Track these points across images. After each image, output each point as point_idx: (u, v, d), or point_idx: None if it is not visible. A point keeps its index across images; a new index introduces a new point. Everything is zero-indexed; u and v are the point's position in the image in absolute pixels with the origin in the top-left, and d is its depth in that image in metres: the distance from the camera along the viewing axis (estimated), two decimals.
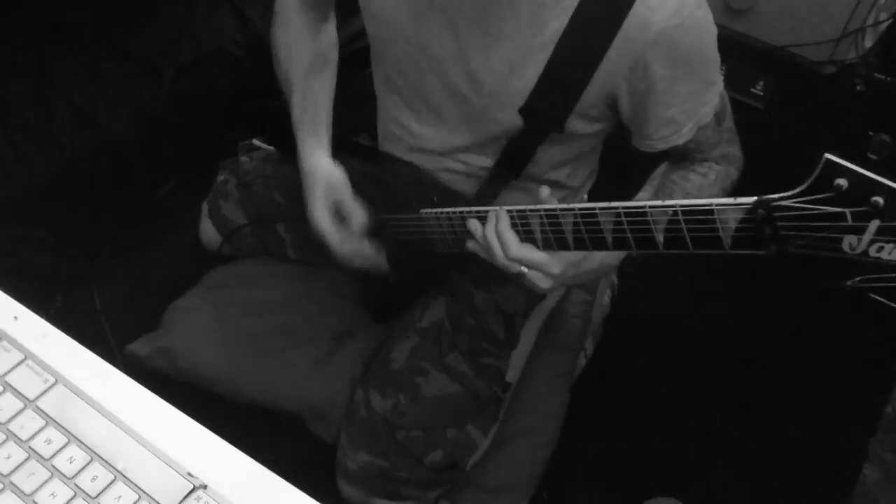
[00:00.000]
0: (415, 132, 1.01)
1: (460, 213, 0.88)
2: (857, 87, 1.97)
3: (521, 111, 0.87)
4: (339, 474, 1.07)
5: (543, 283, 0.83)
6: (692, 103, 0.86)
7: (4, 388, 0.63)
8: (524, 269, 0.82)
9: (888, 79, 1.97)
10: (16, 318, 0.68)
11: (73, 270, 1.42)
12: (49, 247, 1.41)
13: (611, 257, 0.91)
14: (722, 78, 0.88)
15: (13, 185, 1.37)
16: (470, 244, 0.86)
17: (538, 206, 0.77)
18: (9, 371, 0.64)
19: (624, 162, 1.07)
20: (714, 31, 0.83)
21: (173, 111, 1.53)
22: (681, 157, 0.94)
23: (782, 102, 1.96)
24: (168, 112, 1.52)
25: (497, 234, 0.81)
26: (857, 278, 1.61)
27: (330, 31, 1.07)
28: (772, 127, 1.90)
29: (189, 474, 0.59)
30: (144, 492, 0.58)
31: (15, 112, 1.41)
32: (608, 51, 0.80)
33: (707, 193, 0.91)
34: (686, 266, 1.65)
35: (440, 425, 1.05)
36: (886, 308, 1.58)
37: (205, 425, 0.63)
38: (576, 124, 0.90)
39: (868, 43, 1.96)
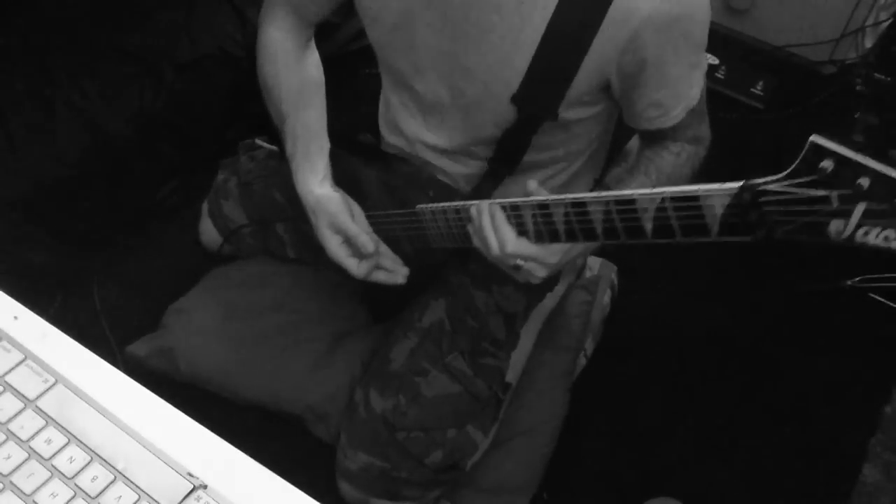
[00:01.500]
0: (417, 132, 1.02)
1: (454, 208, 0.88)
2: (857, 87, 1.97)
3: (514, 100, 0.88)
4: (338, 475, 1.07)
5: (540, 272, 0.84)
6: (680, 87, 0.88)
7: (4, 388, 0.63)
8: (520, 261, 0.82)
9: (888, 79, 1.97)
10: (16, 318, 0.68)
11: (73, 270, 1.42)
12: (49, 247, 1.41)
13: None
14: (706, 61, 0.90)
15: (13, 185, 1.37)
16: (469, 228, 0.86)
17: (530, 199, 0.77)
18: (9, 371, 0.64)
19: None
20: (706, 16, 0.84)
21: (173, 111, 1.53)
22: (655, 136, 0.96)
23: (782, 102, 1.96)
24: (168, 112, 1.52)
25: (494, 230, 0.81)
26: (857, 278, 1.61)
27: (314, 55, 1.06)
28: (772, 127, 1.90)
29: (189, 474, 0.59)
30: (144, 492, 0.58)
31: (15, 112, 1.41)
32: (595, 37, 0.81)
33: (679, 172, 0.93)
34: (686, 266, 1.65)
35: (440, 426, 1.05)
36: (886, 308, 1.58)
37: (205, 425, 0.63)
38: (572, 112, 0.90)
39: (868, 43, 1.97)
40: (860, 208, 0.51)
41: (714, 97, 1.00)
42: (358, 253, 0.98)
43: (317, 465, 1.12)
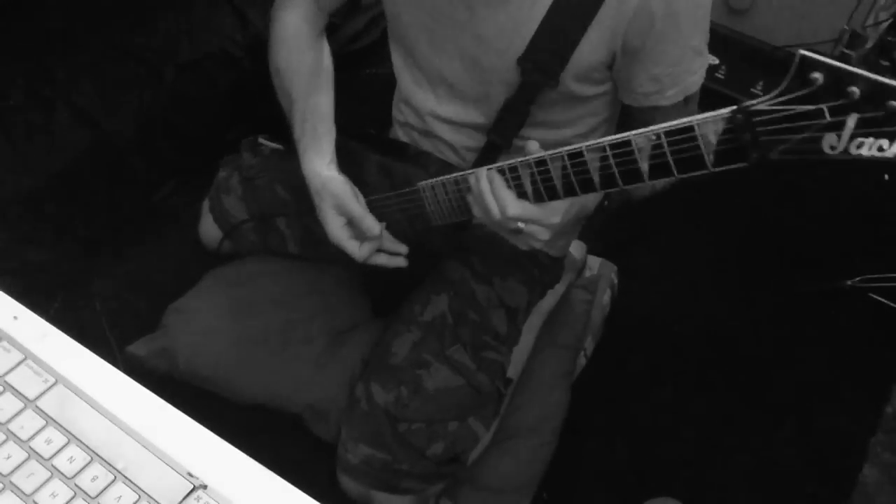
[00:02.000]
0: (430, 106, 1.03)
1: (454, 179, 0.89)
2: None
3: (519, 62, 0.89)
4: (339, 469, 1.07)
5: (543, 235, 0.85)
6: (678, 67, 0.89)
7: (4, 388, 0.63)
8: (521, 224, 0.83)
9: None
10: (16, 318, 0.68)
11: (73, 270, 1.42)
12: (49, 247, 1.41)
13: (591, 197, 0.94)
14: (708, 58, 0.91)
15: (13, 185, 1.37)
16: (469, 198, 0.87)
17: (527, 157, 0.78)
18: (9, 371, 0.64)
19: None
20: (707, 1, 0.86)
21: (173, 111, 1.53)
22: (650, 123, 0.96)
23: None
24: (168, 112, 1.52)
25: (493, 194, 0.82)
26: (857, 278, 1.61)
27: (326, 46, 1.08)
28: None
29: (189, 474, 0.59)
30: (144, 492, 0.58)
31: (15, 112, 1.41)
32: (604, 5, 0.83)
33: None
34: (686, 266, 1.65)
35: (442, 418, 1.05)
36: (886, 308, 1.58)
37: (205, 425, 0.63)
38: (575, 85, 0.92)
39: (868, 43, 1.96)
40: (852, 119, 0.51)
41: (714, 97, 1.00)
42: (360, 235, 0.99)
43: (317, 464, 1.12)
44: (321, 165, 0.99)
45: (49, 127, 1.42)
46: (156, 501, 0.58)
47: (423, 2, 0.93)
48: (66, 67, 1.46)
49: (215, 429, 0.63)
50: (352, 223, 0.99)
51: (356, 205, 0.97)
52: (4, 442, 0.60)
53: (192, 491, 0.58)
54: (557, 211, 0.83)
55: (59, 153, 1.42)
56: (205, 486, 0.59)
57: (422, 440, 1.04)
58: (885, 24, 1.98)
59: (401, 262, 1.02)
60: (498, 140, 0.99)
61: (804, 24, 1.92)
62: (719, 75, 1.99)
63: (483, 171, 0.83)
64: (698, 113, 0.96)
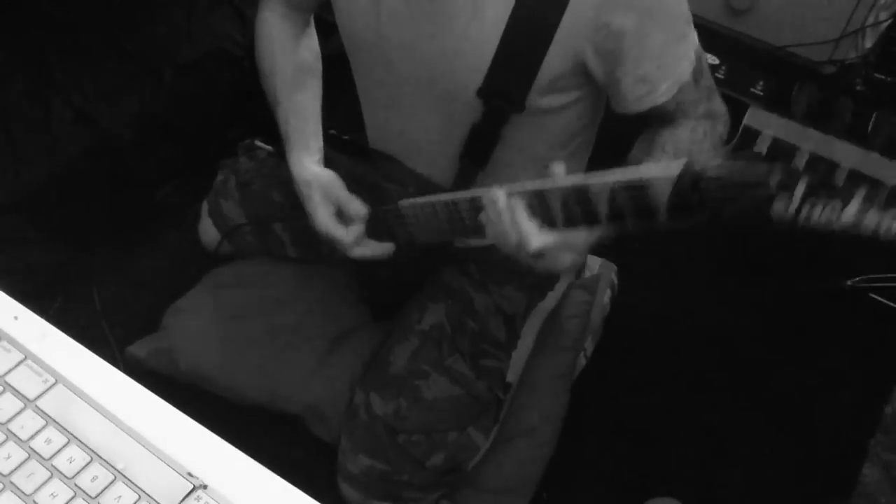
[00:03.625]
0: (392, 130, 1.01)
1: (445, 202, 0.85)
2: (857, 87, 1.97)
3: (480, 93, 0.86)
4: (340, 477, 1.07)
5: (567, 259, 0.76)
6: (665, 59, 0.84)
7: (4, 388, 0.63)
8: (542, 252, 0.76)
9: (888, 79, 1.96)
10: (16, 318, 0.68)
11: (73, 270, 1.42)
12: (49, 247, 1.41)
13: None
14: (695, 34, 0.85)
15: (13, 184, 1.37)
16: (482, 217, 0.78)
17: (555, 184, 0.69)
18: (9, 371, 0.64)
19: (615, 134, 1.05)
20: None
21: (173, 111, 1.53)
22: (665, 120, 0.91)
23: (782, 102, 1.96)
24: (168, 112, 1.52)
25: (514, 222, 0.72)
26: (857, 278, 1.61)
27: (311, 41, 1.07)
28: None
29: (189, 474, 0.59)
30: (144, 492, 0.58)
31: (15, 112, 1.41)
32: (563, 18, 0.79)
33: (698, 149, 0.88)
34: (686, 266, 1.65)
35: (441, 428, 1.05)
36: (886, 308, 1.58)
37: (205, 425, 0.63)
38: (543, 101, 0.88)
39: (868, 43, 1.96)
40: (802, 184, 0.50)
41: None
42: (348, 223, 0.98)
43: (317, 465, 1.12)
44: (309, 161, 0.99)
45: (48, 127, 1.42)
46: (156, 501, 0.58)
47: (367, 26, 0.90)
48: (66, 67, 1.47)
49: (215, 429, 0.63)
50: (339, 213, 0.98)
51: (344, 191, 0.97)
52: (4, 442, 0.60)
53: (192, 491, 0.58)
54: (580, 237, 0.73)
55: (59, 153, 1.42)
56: (205, 486, 0.59)
57: (421, 451, 1.04)
58: (885, 24, 1.98)
59: (389, 247, 1.00)
60: (473, 167, 0.96)
61: (804, 24, 1.92)
62: (719, 75, 1.99)
63: (502, 196, 0.72)
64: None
